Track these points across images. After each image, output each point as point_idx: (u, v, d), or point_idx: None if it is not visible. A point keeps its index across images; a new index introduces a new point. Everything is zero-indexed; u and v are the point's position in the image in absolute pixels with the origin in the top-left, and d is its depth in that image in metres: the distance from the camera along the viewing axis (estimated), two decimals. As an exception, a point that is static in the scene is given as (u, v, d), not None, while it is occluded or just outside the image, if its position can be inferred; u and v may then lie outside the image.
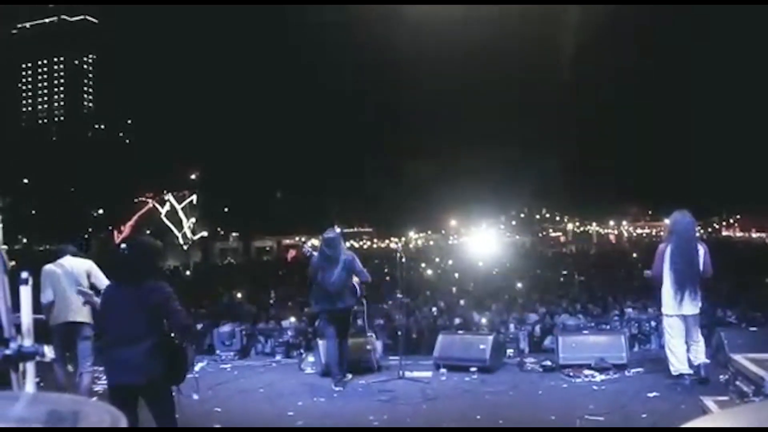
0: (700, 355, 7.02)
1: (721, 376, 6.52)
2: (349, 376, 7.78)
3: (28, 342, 1.48)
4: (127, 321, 4.34)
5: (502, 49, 80.00)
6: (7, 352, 1.44)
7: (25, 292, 1.56)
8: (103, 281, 6.62)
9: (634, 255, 29.92)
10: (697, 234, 7.69)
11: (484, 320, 12.00)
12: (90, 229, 69.35)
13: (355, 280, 7.79)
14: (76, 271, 6.78)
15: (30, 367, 1.49)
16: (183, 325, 4.52)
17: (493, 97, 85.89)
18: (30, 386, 1.46)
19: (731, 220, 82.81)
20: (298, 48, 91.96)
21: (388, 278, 18.58)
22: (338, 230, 8.20)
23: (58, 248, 7.20)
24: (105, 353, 4.51)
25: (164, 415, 4.41)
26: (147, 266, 4.58)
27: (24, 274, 1.60)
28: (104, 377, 8.01)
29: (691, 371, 6.95)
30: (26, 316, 1.52)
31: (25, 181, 73.79)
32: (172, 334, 4.47)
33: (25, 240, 61.53)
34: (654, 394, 6.59)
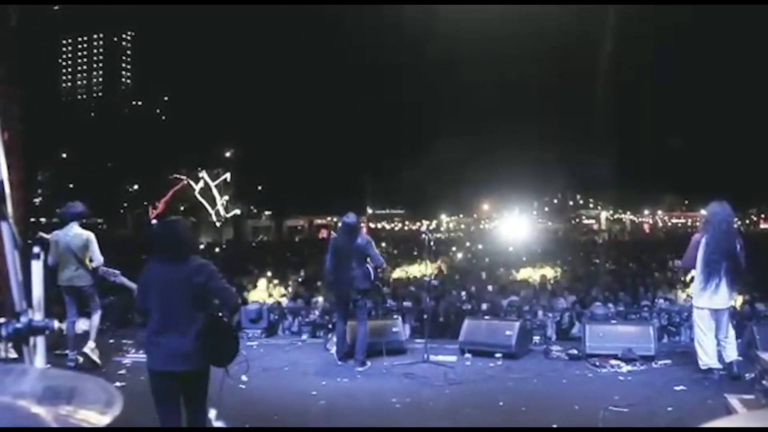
0: (731, 352, 6.88)
1: (747, 375, 6.40)
2: (368, 363, 7.72)
3: (38, 316, 1.49)
4: (173, 303, 4.19)
5: (539, 32, 78.94)
6: (18, 325, 1.45)
7: (37, 267, 1.57)
8: (97, 254, 7.49)
9: (669, 245, 29.49)
10: (735, 226, 7.49)
11: (511, 306, 11.94)
12: (125, 204, 70.44)
13: (370, 264, 7.80)
14: (75, 243, 7.44)
15: (40, 340, 1.50)
16: (233, 303, 4.49)
17: (531, 81, 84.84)
18: (40, 360, 1.47)
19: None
20: (335, 27, 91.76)
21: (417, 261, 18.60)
22: (354, 217, 8.03)
23: (66, 211, 7.68)
24: (149, 337, 4.28)
25: (199, 400, 4.28)
26: (190, 244, 4.57)
27: (36, 249, 1.62)
28: (133, 350, 8.28)
29: (721, 366, 6.82)
30: (37, 290, 1.53)
31: (64, 155, 75.09)
32: (221, 314, 4.34)
33: (62, 213, 62.61)
34: (681, 387, 6.50)
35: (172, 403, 4.21)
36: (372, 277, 7.82)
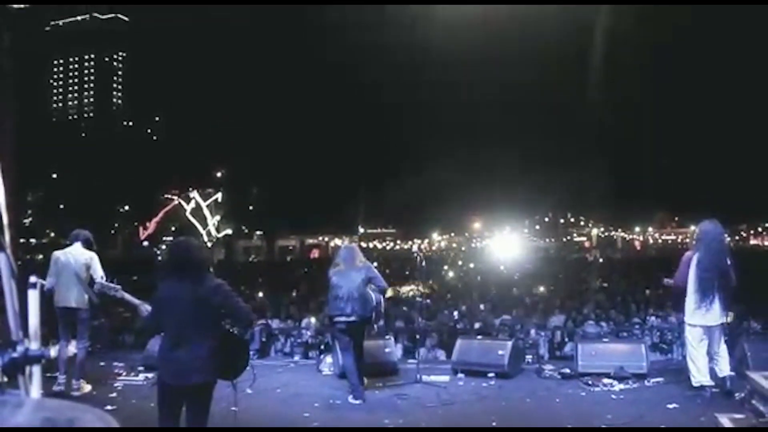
0: (724, 368, 6.91)
1: (737, 394, 6.42)
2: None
3: (35, 345, 1.50)
4: (190, 321, 4.34)
5: (531, 52, 79.61)
6: (15, 355, 1.46)
7: (33, 296, 1.58)
8: (98, 273, 7.27)
9: (660, 262, 29.59)
10: (726, 244, 7.56)
11: (503, 325, 11.94)
12: (116, 225, 70.22)
13: (372, 288, 7.30)
14: (77, 262, 7.31)
15: (36, 370, 1.51)
16: (249, 320, 4.69)
17: (522, 101, 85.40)
18: (36, 389, 1.48)
19: (759, 229, 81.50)
20: (326, 49, 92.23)
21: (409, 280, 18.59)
22: (353, 246, 7.94)
23: (72, 233, 7.66)
24: (163, 353, 4.45)
25: (202, 413, 4.42)
26: (203, 263, 4.62)
27: (32, 279, 1.63)
28: (124, 373, 8.23)
29: (713, 383, 6.85)
30: (34, 319, 1.54)
31: (54, 176, 74.88)
32: (233, 330, 4.55)
33: (52, 234, 62.41)
34: (673, 405, 6.51)
35: (176, 417, 4.40)
36: (374, 301, 7.27)
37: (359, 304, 7.11)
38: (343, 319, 7.15)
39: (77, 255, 7.36)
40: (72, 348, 7.51)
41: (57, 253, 7.48)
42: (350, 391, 7.19)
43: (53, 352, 1.78)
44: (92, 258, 7.39)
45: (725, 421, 5.11)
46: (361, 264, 7.41)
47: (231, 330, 4.54)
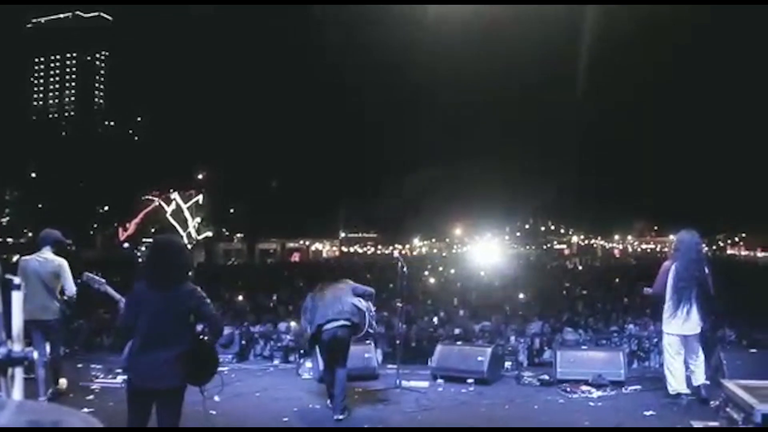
0: (699, 376, 7.00)
1: (712, 402, 6.50)
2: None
3: (17, 347, 1.50)
4: (161, 324, 4.33)
5: (512, 60, 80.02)
6: (-3, 356, 1.46)
7: (17, 297, 1.58)
8: (69, 283, 6.92)
9: (638, 270, 29.82)
10: (703, 253, 7.66)
11: (483, 332, 11.97)
12: (95, 225, 69.61)
13: (359, 300, 6.85)
14: (46, 270, 6.88)
15: (18, 371, 1.50)
16: (219, 328, 4.66)
17: (501, 107, 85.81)
18: (18, 392, 1.47)
19: (737, 239, 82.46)
20: (307, 52, 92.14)
21: (391, 285, 18.57)
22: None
23: (40, 236, 7.18)
24: (133, 356, 4.39)
25: (172, 417, 4.41)
26: (183, 268, 4.58)
27: (16, 280, 1.63)
28: (101, 375, 8.16)
29: (689, 391, 6.93)
30: (17, 321, 1.54)
31: (33, 175, 74.10)
32: (204, 336, 4.50)
33: (30, 234, 61.72)
34: (650, 413, 6.58)
35: (143, 420, 4.40)
36: (366, 315, 6.85)
37: (348, 310, 6.68)
38: (330, 326, 6.58)
39: (46, 263, 6.90)
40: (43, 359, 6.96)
41: (25, 261, 7.00)
42: (332, 405, 6.70)
43: (35, 354, 1.77)
44: (61, 266, 6.93)
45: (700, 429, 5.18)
46: (343, 284, 7.04)
47: (201, 336, 4.50)
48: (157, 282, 4.47)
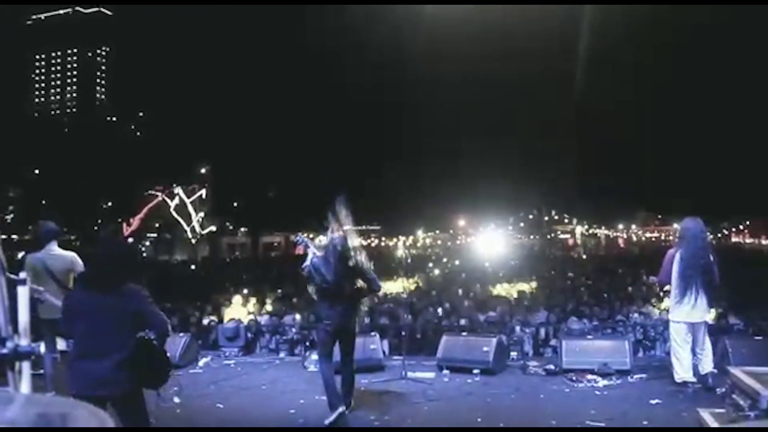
0: (706, 364, 6.99)
1: (718, 389, 6.50)
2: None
3: (24, 341, 1.50)
4: (100, 330, 4.04)
5: (515, 52, 79.82)
6: (4, 351, 1.46)
7: (23, 292, 1.58)
8: None
9: (643, 259, 29.81)
10: (708, 241, 7.63)
11: (488, 322, 12.00)
12: (99, 221, 69.71)
13: (362, 284, 6.49)
14: (59, 265, 6.62)
15: (26, 366, 1.50)
16: (164, 329, 4.21)
17: (505, 98, 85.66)
18: (26, 386, 1.48)
19: (741, 226, 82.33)
20: (311, 45, 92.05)
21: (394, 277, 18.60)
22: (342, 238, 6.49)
23: (44, 230, 6.88)
24: (71, 362, 4.15)
25: (142, 422, 4.18)
26: (120, 270, 4.22)
27: (22, 275, 1.62)
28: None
29: (695, 379, 6.92)
30: (23, 315, 1.54)
31: (36, 171, 74.19)
32: (151, 338, 4.14)
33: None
34: (656, 401, 6.57)
35: None
36: (364, 301, 6.60)
37: (351, 302, 6.39)
38: (329, 319, 6.34)
39: (58, 258, 6.65)
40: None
41: (34, 257, 6.71)
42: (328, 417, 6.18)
43: (42, 348, 1.77)
44: (74, 260, 6.66)
45: (706, 416, 5.17)
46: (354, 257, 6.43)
47: (147, 338, 4.12)
48: (91, 283, 4.22)
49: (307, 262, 6.39)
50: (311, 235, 7.63)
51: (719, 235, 75.33)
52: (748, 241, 77.56)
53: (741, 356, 7.23)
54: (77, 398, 3.96)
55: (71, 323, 4.20)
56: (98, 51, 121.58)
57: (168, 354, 4.37)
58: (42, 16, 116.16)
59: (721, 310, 11.38)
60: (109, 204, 74.18)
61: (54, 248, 6.74)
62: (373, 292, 6.84)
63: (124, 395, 4.03)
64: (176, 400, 6.34)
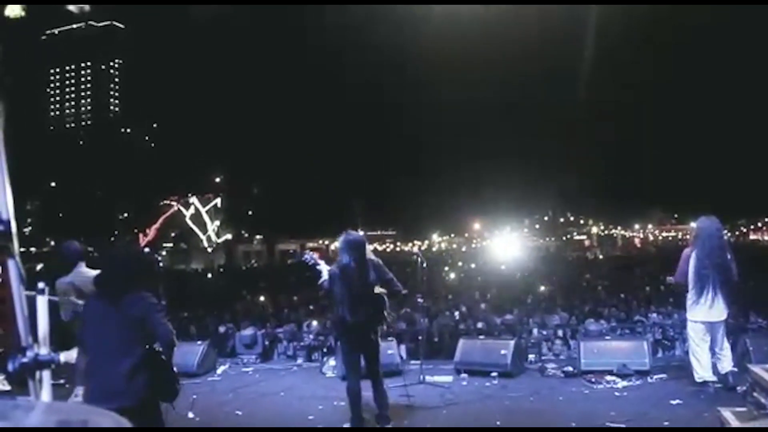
0: (726, 363, 6.92)
1: (739, 387, 6.45)
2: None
3: (44, 350, 1.52)
4: (107, 337, 4.02)
5: (531, 52, 79.69)
6: (24, 360, 1.48)
7: (42, 302, 1.59)
8: None
9: (660, 259, 29.60)
10: (724, 239, 7.56)
11: (505, 325, 11.95)
12: (116, 232, 70.20)
13: (381, 291, 6.17)
14: (89, 287, 6.02)
15: (46, 374, 1.52)
16: (168, 339, 4.11)
17: (521, 100, 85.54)
18: (46, 394, 1.49)
19: (759, 224, 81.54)
20: (323, 54, 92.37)
21: (408, 282, 18.56)
22: (361, 232, 6.57)
23: (71, 250, 6.71)
24: (85, 372, 4.14)
25: None
26: (127, 278, 4.17)
27: (41, 284, 1.64)
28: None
29: (716, 378, 6.86)
30: (42, 324, 1.56)
31: (53, 184, 74.86)
32: (158, 348, 4.12)
33: (52, 243, 62.38)
34: (677, 401, 6.52)
35: None
36: (386, 306, 6.20)
37: (373, 312, 6.08)
38: (350, 331, 6.09)
39: (87, 279, 6.02)
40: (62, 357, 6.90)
41: (63, 283, 6.49)
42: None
43: (63, 357, 1.78)
44: None
45: (727, 415, 5.12)
46: (371, 261, 6.20)
47: (154, 350, 4.11)
48: (102, 289, 4.23)
49: (324, 277, 6.18)
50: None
51: (737, 232, 74.64)
52: (766, 238, 76.76)
53: (762, 355, 7.16)
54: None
55: (84, 331, 4.22)
56: (111, 63, 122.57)
57: (173, 368, 4.27)
58: (56, 31, 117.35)
59: (740, 308, 11.28)
60: (126, 215, 74.72)
61: (82, 269, 6.58)
62: (396, 295, 6.44)
63: (136, 407, 3.92)
64: (190, 415, 6.35)
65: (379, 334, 6.32)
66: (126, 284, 4.12)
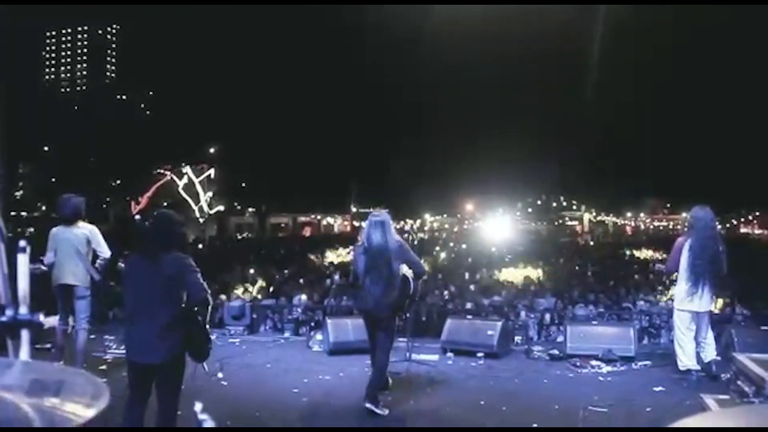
0: (709, 352, 6.98)
1: (723, 375, 6.50)
2: (387, 397, 6.27)
3: (24, 310, 1.49)
4: (144, 294, 4.24)
5: (525, 38, 79.27)
6: (3, 319, 1.46)
7: (23, 260, 1.57)
8: (103, 247, 6.92)
9: (650, 247, 29.74)
10: (718, 231, 7.57)
11: (493, 306, 12.01)
12: (108, 199, 69.90)
13: (407, 272, 6.17)
14: (77, 236, 6.85)
15: (25, 334, 1.50)
16: (199, 298, 4.27)
17: (515, 84, 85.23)
18: (24, 353, 1.47)
19: (750, 217, 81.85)
20: (320, 28, 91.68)
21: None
22: (386, 211, 6.35)
23: (64, 208, 6.99)
24: (125, 328, 4.38)
25: (170, 393, 4.28)
26: (166, 238, 4.40)
27: (22, 243, 1.62)
28: (114, 346, 8.24)
29: (699, 367, 6.91)
30: (23, 283, 1.54)
31: (46, 149, 74.37)
32: (194, 308, 4.30)
33: (44, 207, 62.10)
34: (659, 388, 6.57)
35: (140, 392, 4.32)
36: (411, 288, 6.17)
37: (394, 293, 6.00)
38: (368, 308, 6.13)
39: (76, 228, 6.88)
40: (50, 320, 6.99)
41: (54, 229, 6.97)
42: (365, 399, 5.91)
43: (42, 317, 1.77)
44: (92, 231, 6.93)
45: (710, 402, 5.17)
46: (395, 242, 6.15)
47: (190, 309, 4.29)
48: (143, 249, 4.43)
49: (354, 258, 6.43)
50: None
51: (727, 225, 74.91)
52: (757, 232, 77.08)
53: (746, 346, 7.20)
54: (129, 365, 4.27)
55: (125, 288, 4.43)
56: (108, 29, 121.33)
57: (209, 329, 4.43)
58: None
59: (727, 299, 11.36)
60: (118, 182, 74.35)
61: (77, 222, 6.97)
62: (419, 276, 6.33)
63: (165, 364, 4.19)
64: (220, 375, 6.41)
65: (396, 321, 6.34)
66: (164, 245, 4.33)
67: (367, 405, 5.80)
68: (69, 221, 6.90)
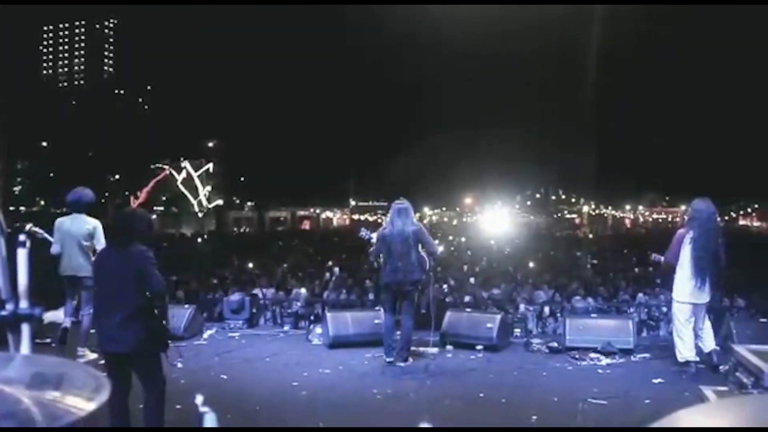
0: (708, 342, 6.98)
1: (722, 367, 6.51)
2: (410, 360, 7.49)
3: (24, 304, 1.50)
4: (112, 285, 4.44)
5: (525, 28, 79.06)
6: (3, 313, 1.46)
7: (23, 255, 1.57)
8: (102, 242, 7.07)
9: (649, 240, 29.75)
10: (718, 223, 7.57)
11: (492, 299, 12.02)
12: (107, 194, 69.89)
13: (423, 252, 7.45)
14: (81, 230, 7.12)
15: (25, 328, 1.50)
16: (158, 289, 4.48)
17: (514, 76, 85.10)
18: (25, 347, 1.48)
19: (749, 209, 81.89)
20: (318, 21, 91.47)
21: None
22: (406, 202, 7.66)
23: (72, 200, 7.28)
24: (95, 318, 4.65)
25: (149, 381, 4.47)
26: (134, 232, 4.59)
27: (21, 237, 1.62)
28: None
29: (698, 359, 6.92)
30: (23, 278, 1.54)
31: (44, 144, 74.29)
32: (152, 302, 4.47)
33: (42, 202, 62.11)
34: (659, 380, 6.59)
35: (117, 381, 4.31)
36: (427, 265, 7.51)
37: (414, 269, 7.34)
38: (394, 282, 7.40)
39: (81, 222, 7.16)
40: (50, 315, 7.27)
41: (60, 220, 7.29)
42: (396, 358, 7.36)
43: (42, 312, 1.79)
44: (96, 227, 7.18)
45: (709, 394, 5.18)
46: (413, 227, 7.46)
47: (148, 301, 4.44)
48: (110, 246, 4.74)
49: (374, 241, 7.54)
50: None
51: (726, 217, 74.93)
52: (756, 224, 77.13)
53: (745, 338, 7.23)
54: (104, 355, 4.45)
55: (94, 279, 4.74)
56: (106, 23, 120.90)
57: (167, 320, 4.67)
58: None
59: (725, 291, 11.37)
60: (117, 177, 74.32)
61: (81, 215, 7.26)
62: (433, 255, 7.72)
63: (134, 353, 4.37)
64: (179, 365, 6.47)
65: (417, 289, 7.54)
66: (131, 238, 4.52)
67: (399, 363, 7.25)
68: (76, 211, 7.22)
